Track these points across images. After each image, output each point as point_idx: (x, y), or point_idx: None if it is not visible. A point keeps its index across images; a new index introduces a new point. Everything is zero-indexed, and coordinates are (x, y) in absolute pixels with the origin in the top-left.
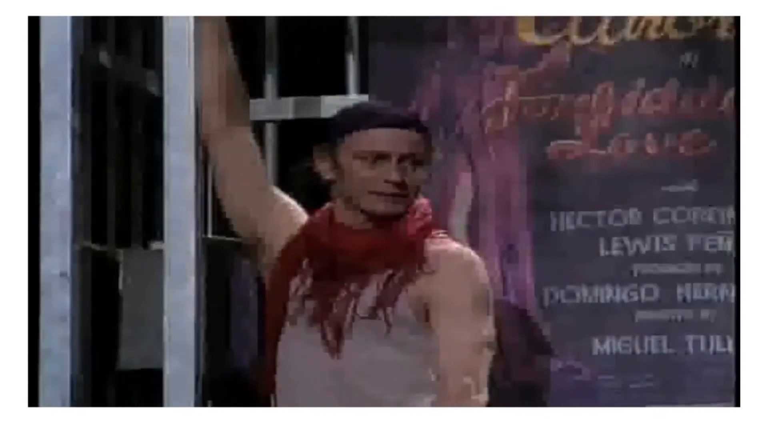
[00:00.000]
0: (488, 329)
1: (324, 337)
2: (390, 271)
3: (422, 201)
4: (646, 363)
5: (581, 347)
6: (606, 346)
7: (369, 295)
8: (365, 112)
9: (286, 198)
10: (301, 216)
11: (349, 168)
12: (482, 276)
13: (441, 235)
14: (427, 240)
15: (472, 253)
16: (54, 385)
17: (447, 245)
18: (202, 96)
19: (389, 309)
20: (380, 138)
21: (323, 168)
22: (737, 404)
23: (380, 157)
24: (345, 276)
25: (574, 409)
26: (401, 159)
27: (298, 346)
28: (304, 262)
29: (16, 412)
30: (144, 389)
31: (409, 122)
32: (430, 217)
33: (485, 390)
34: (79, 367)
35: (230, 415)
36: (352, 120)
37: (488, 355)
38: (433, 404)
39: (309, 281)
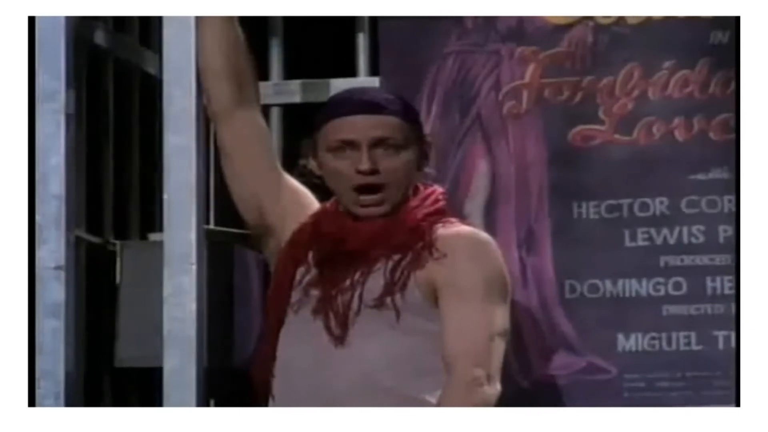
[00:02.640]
0: (502, 316)
1: (328, 326)
2: (397, 257)
3: (435, 188)
4: (674, 360)
5: (605, 344)
6: (631, 342)
7: (375, 282)
8: (334, 102)
9: (296, 183)
10: (312, 202)
11: (324, 162)
12: (496, 260)
13: (453, 220)
14: (438, 225)
15: (487, 236)
16: (47, 380)
17: (459, 228)
18: (209, 72)
19: (398, 296)
20: (346, 126)
21: (312, 165)
22: (737, 404)
23: (350, 146)
24: (350, 265)
25: (574, 409)
26: (373, 145)
27: (300, 336)
28: (311, 252)
29: (16, 412)
30: (143, 386)
31: (378, 106)
32: (443, 203)
33: (497, 382)
34: (74, 363)
35: (230, 416)
36: (323, 112)
37: (501, 344)
38: (440, 395)
39: (314, 271)
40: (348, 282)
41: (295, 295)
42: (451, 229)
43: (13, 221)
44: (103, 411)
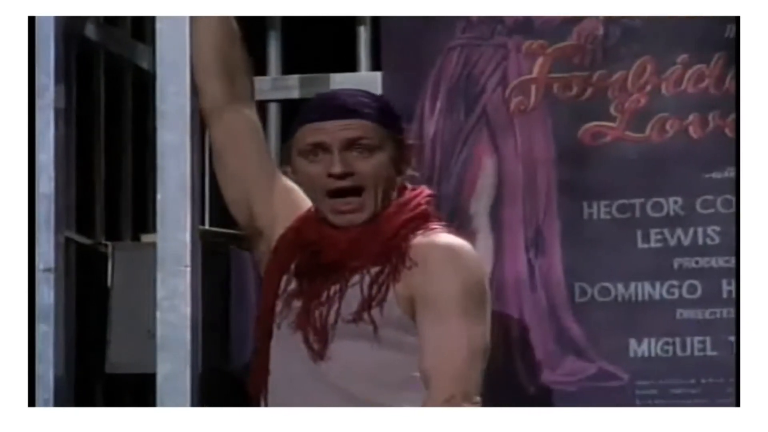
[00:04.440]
0: (481, 330)
1: (307, 340)
2: (375, 270)
3: (422, 190)
4: (688, 366)
5: (616, 349)
6: (644, 347)
7: (353, 297)
8: (307, 107)
9: (291, 184)
10: (305, 201)
11: (298, 168)
12: (474, 268)
13: (435, 226)
14: (419, 232)
15: (464, 243)
16: (37, 385)
17: (435, 236)
18: (201, 67)
19: (375, 310)
20: (316, 129)
21: (288, 172)
22: (737, 404)
23: (321, 149)
24: (328, 277)
25: (574, 409)
26: (345, 148)
27: (284, 350)
28: (293, 261)
29: (16, 412)
30: (135, 393)
31: (350, 111)
32: (427, 207)
33: (476, 398)
34: (64, 369)
35: (221, 416)
36: (297, 118)
37: (479, 358)
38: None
39: (294, 281)
40: (325, 295)
41: (279, 306)
42: (428, 237)
43: (9, 221)
44: (102, 411)
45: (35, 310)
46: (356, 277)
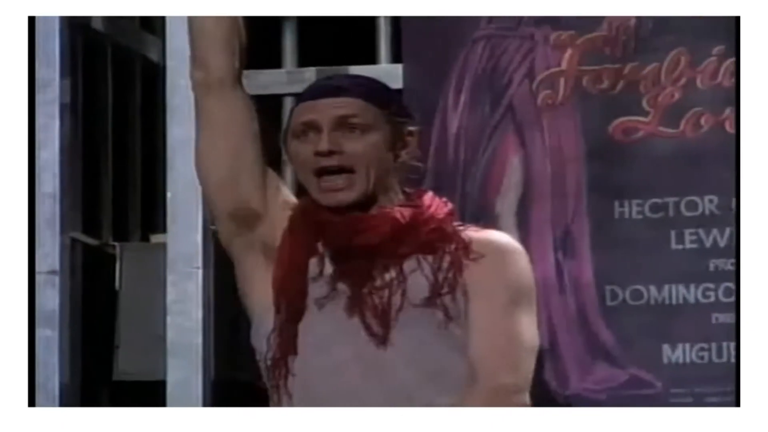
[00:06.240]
0: (533, 330)
1: (367, 325)
2: (432, 257)
3: (429, 191)
4: (724, 374)
5: (649, 355)
6: (678, 353)
7: (417, 283)
8: (305, 90)
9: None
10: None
11: (290, 149)
12: (528, 267)
13: (468, 225)
14: (460, 227)
15: (518, 243)
16: (40, 394)
17: (489, 232)
18: (208, 37)
19: (447, 298)
20: (306, 108)
21: (286, 156)
22: (737, 404)
23: (312, 128)
24: (373, 260)
25: (573, 409)
26: (336, 127)
27: (330, 334)
28: (319, 243)
29: (16, 412)
30: (144, 401)
31: (341, 89)
32: (452, 206)
33: (527, 393)
34: (69, 376)
35: (235, 416)
36: (295, 100)
37: (532, 357)
38: (458, 403)
39: (329, 264)
40: (380, 280)
41: (318, 290)
42: (480, 232)
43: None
44: (104, 411)
45: (35, 313)
46: (411, 264)
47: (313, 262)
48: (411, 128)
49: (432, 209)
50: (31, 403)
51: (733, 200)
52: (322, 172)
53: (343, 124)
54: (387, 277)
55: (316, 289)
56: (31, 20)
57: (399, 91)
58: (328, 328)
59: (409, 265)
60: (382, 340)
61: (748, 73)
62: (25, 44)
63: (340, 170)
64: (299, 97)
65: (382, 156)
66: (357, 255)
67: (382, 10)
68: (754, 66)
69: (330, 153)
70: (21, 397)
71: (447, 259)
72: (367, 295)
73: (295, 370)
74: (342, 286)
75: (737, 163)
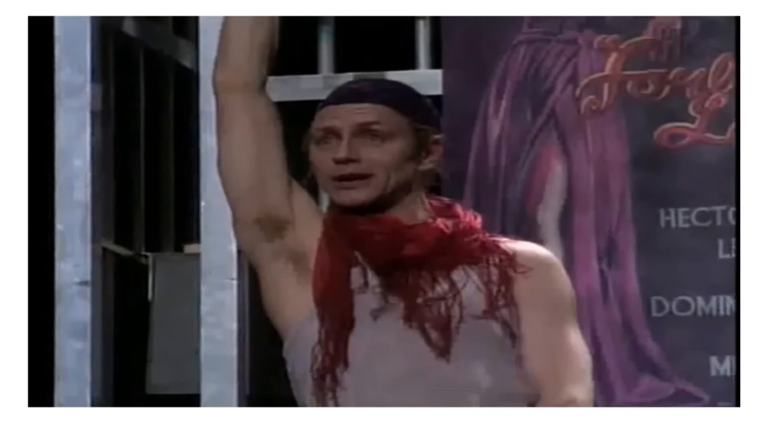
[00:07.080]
0: (583, 342)
1: (427, 337)
2: (478, 269)
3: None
4: None
5: (696, 368)
6: (725, 366)
7: (472, 294)
8: (330, 94)
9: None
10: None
11: (311, 155)
12: (570, 282)
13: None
14: (497, 239)
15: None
16: (71, 408)
17: (527, 244)
18: (242, 38)
19: (505, 311)
20: (327, 113)
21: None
22: (737, 404)
23: (333, 134)
24: (419, 272)
25: (572, 409)
26: (356, 134)
27: (387, 345)
28: (358, 252)
29: (16, 412)
30: None
31: (365, 94)
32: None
33: (592, 402)
34: (101, 390)
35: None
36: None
37: (591, 367)
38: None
39: (373, 275)
40: (433, 291)
41: (371, 301)
42: (520, 244)
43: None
44: (104, 411)
45: (56, 329)
46: (459, 275)
47: (355, 272)
48: (436, 136)
49: (468, 219)
50: (32, 398)
51: None
52: (340, 179)
53: (364, 131)
54: (438, 288)
55: (365, 300)
56: (48, 21)
57: (435, 97)
58: (386, 339)
59: (456, 276)
60: (443, 351)
61: (748, 73)
62: (25, 44)
63: (358, 177)
64: (323, 102)
65: (403, 163)
66: (403, 266)
67: (420, 10)
68: (754, 66)
69: (348, 161)
70: (20, 397)
71: (495, 271)
72: (423, 306)
73: (346, 383)
74: (393, 299)
75: (737, 167)
